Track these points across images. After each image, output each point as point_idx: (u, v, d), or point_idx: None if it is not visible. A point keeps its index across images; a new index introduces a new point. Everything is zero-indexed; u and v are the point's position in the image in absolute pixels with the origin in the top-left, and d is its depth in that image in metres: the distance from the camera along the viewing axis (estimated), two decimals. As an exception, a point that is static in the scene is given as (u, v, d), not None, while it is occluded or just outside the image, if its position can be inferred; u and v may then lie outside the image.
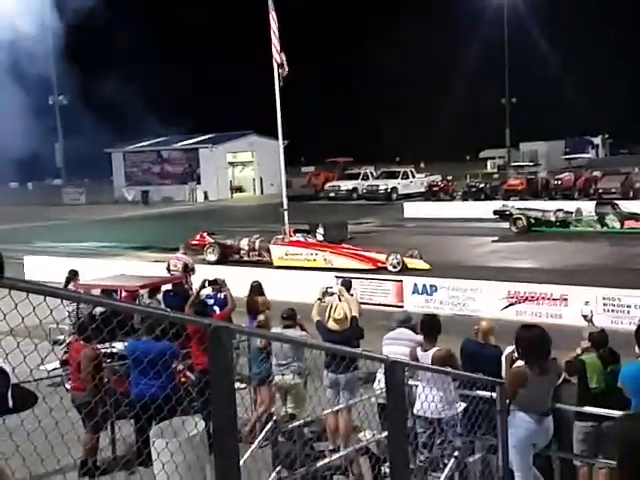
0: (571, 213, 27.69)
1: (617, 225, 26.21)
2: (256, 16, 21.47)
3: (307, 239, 23.17)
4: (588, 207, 28.14)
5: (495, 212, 29.86)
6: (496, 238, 26.78)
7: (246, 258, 22.96)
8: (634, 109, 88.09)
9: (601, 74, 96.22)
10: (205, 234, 24.24)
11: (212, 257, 23.11)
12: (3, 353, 2.60)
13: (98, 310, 10.19)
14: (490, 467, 5.96)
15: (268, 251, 22.66)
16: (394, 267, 20.27)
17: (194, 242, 23.78)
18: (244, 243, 23.41)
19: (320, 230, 24.42)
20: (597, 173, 38.75)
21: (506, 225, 28.41)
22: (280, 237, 23.01)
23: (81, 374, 8.37)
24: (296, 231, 23.47)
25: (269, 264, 21.73)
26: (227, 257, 23.05)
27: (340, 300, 9.48)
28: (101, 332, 8.18)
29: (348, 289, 10.77)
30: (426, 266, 20.11)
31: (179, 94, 78.66)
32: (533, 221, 27.93)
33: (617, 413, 5.76)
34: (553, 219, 27.67)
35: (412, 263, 20.34)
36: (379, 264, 20.60)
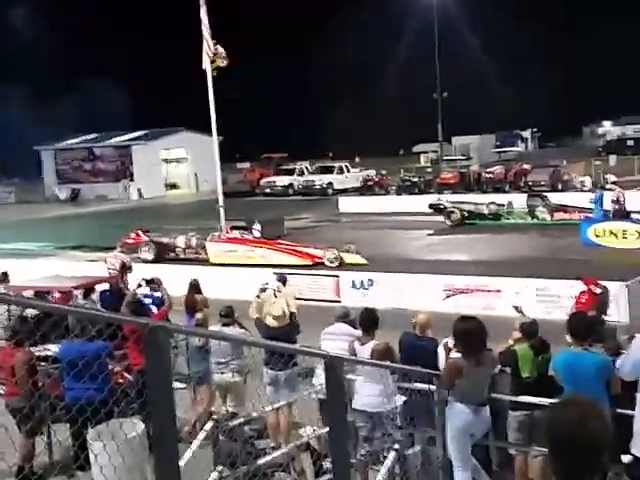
0: (503, 206, 28.18)
1: (547, 217, 26.74)
2: (190, 10, 21.21)
3: (244, 236, 23.01)
4: (519, 199, 28.65)
5: (430, 206, 30.09)
6: (431, 231, 27.03)
7: (182, 256, 22.65)
8: (562, 104, 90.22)
9: (531, 71, 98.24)
10: (140, 232, 23.77)
11: (148, 255, 22.71)
12: None
13: (30, 312, 9.97)
14: (430, 458, 6.04)
15: (204, 248, 22.43)
16: (331, 262, 20.23)
17: (129, 240, 23.31)
18: (180, 241, 23.11)
19: (257, 226, 24.39)
20: (527, 166, 39.56)
21: (441, 218, 28.72)
22: (216, 234, 22.81)
23: (15, 378, 8.19)
24: (233, 228, 23.32)
25: (206, 261, 21.49)
26: (163, 255, 22.71)
27: (276, 296, 9.49)
28: (34, 335, 8.03)
29: (283, 284, 10.78)
30: (363, 261, 20.12)
31: (111, 90, 77.17)
32: (467, 214, 28.31)
33: (549, 401, 5.91)
34: (486, 212, 28.10)
35: (349, 258, 20.32)
36: (316, 259, 20.52)
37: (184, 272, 15.07)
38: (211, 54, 20.60)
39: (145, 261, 21.71)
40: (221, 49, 20.57)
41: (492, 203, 28.59)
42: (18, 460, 7.86)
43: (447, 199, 30.80)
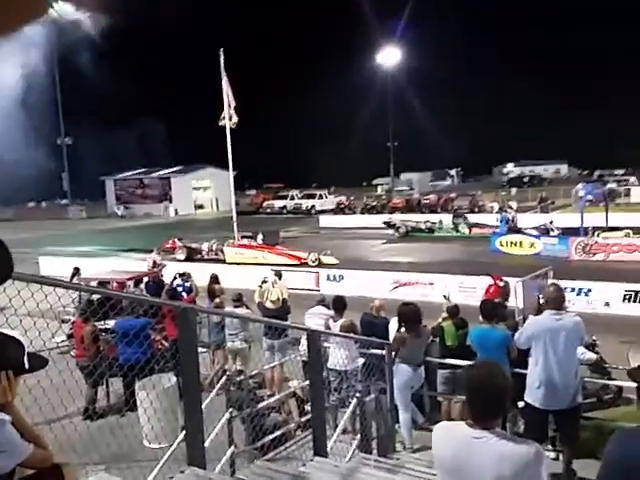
0: (435, 223, 28.22)
1: (467, 231, 26.79)
2: (213, 77, 21.15)
3: (251, 242, 22.88)
4: (447, 219, 28.68)
5: (384, 222, 30.10)
6: (385, 241, 26.97)
7: (206, 257, 22.48)
8: (478, 151, 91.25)
9: (456, 126, 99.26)
10: (176, 239, 23.70)
11: (181, 256, 22.59)
12: (22, 329, 2.50)
13: (95, 297, 9.87)
14: (381, 404, 6.03)
15: (222, 251, 22.28)
16: (312, 262, 20.12)
17: (167, 245, 23.14)
18: (205, 246, 23.00)
19: (260, 236, 24.34)
20: (453, 195, 39.69)
21: (391, 232, 28.75)
22: (231, 241, 22.67)
23: (83, 344, 8.12)
24: (243, 237, 23.13)
25: (223, 261, 21.29)
26: (192, 257, 22.53)
27: (273, 286, 9.46)
28: (97, 313, 7.97)
29: (280, 278, 10.75)
30: (336, 261, 20.05)
31: (158, 137, 76.80)
32: (410, 229, 28.36)
33: (466, 363, 5.93)
34: (423, 227, 28.18)
35: (325, 259, 20.24)
36: (302, 260, 20.37)
37: (207, 269, 14.92)
38: (229, 114, 20.62)
39: (179, 260, 21.49)
40: (233, 112, 20.59)
41: (427, 221, 28.67)
42: (85, 403, 7.79)
43: (396, 218, 30.85)
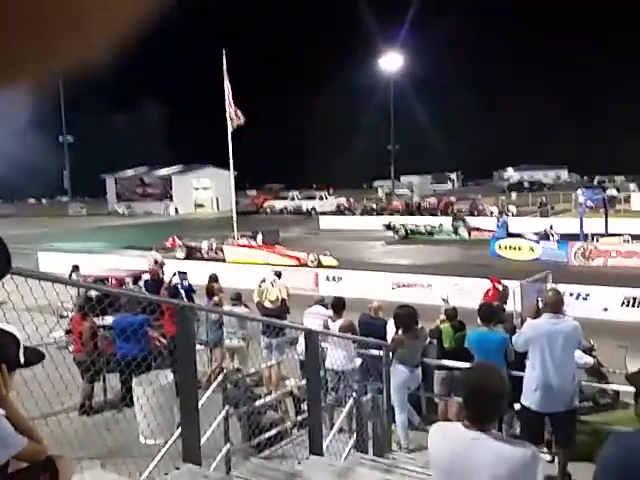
0: (435, 226, 28.16)
1: (466, 235, 26.76)
2: (216, 77, 21.19)
3: (250, 242, 22.61)
4: (446, 222, 28.64)
5: (384, 225, 30.06)
6: (385, 243, 26.97)
7: (206, 256, 22.27)
8: (479, 155, 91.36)
9: (458, 131, 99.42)
10: (175, 237, 23.51)
11: (181, 255, 22.41)
12: (20, 324, 2.49)
13: (93, 293, 9.85)
14: (378, 404, 6.02)
15: (222, 251, 22.12)
16: (312, 263, 19.99)
17: (167, 244, 23.02)
18: (204, 245, 22.80)
19: (259, 236, 24.17)
20: (453, 198, 39.69)
21: (391, 234, 28.73)
22: (231, 240, 22.49)
23: (81, 340, 8.11)
24: (242, 236, 22.95)
25: (223, 261, 21.12)
26: (192, 255, 22.36)
27: (273, 286, 9.44)
28: (94, 309, 7.97)
29: (279, 278, 10.73)
30: (335, 262, 19.96)
31: (158, 136, 76.88)
32: (410, 231, 28.31)
33: (463, 365, 5.92)
34: (423, 230, 28.12)
35: (325, 260, 20.14)
36: (302, 261, 20.25)
37: (206, 268, 14.89)
38: (232, 114, 20.56)
39: (178, 259, 21.32)
40: (239, 112, 20.53)
41: (428, 225, 28.59)
42: (81, 399, 7.77)
43: (396, 220, 30.76)
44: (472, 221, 29.19)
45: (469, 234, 26.63)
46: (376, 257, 22.73)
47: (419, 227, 28.42)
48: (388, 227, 29.43)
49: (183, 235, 24.84)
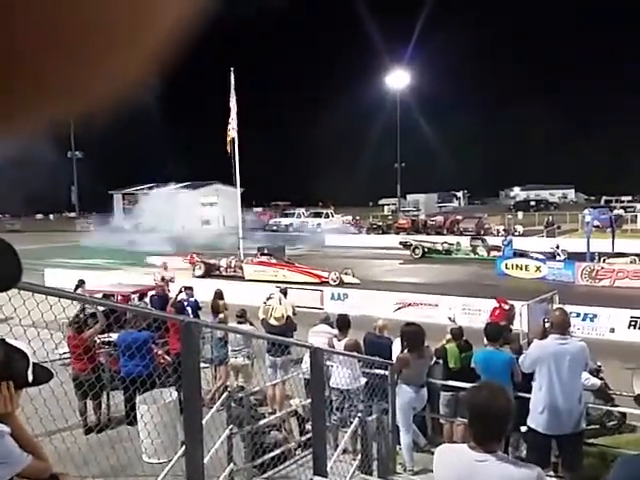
0: (453, 244, 27.54)
1: (485, 254, 25.91)
2: (223, 94, 21.46)
3: (270, 260, 21.87)
4: (465, 241, 27.96)
5: (400, 243, 29.21)
6: (401, 261, 26.44)
7: (224, 273, 21.83)
8: (485, 174, 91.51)
9: (465, 149, 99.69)
10: (194, 255, 22.87)
11: (199, 272, 21.91)
12: (27, 339, 2.50)
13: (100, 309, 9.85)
14: (383, 424, 5.97)
15: (241, 268, 21.62)
16: (334, 281, 19.44)
17: (185, 260, 22.51)
18: (223, 262, 22.32)
19: (265, 252, 23.68)
20: (459, 217, 39.58)
21: (404, 252, 28.06)
22: (250, 258, 21.94)
23: (74, 356, 7.95)
24: (262, 254, 22.38)
25: (242, 279, 20.59)
26: (210, 273, 21.85)
27: (280, 303, 9.44)
28: (86, 325, 7.95)
29: (285, 295, 10.73)
30: (357, 281, 19.43)
31: (165, 154, 77.37)
32: (426, 250, 27.61)
33: (469, 385, 5.87)
34: (440, 249, 27.47)
35: (347, 279, 19.62)
36: (323, 279, 19.71)
37: (223, 286, 14.66)
38: (233, 135, 20.87)
39: (197, 277, 20.73)
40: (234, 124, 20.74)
41: (445, 242, 27.94)
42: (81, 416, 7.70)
43: (413, 238, 30.04)
44: (491, 240, 28.48)
45: (488, 253, 25.78)
46: (388, 275, 22.19)
47: (436, 245, 27.76)
48: (405, 245, 28.62)
49: (201, 252, 24.12)
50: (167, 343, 8.97)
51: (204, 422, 3.78)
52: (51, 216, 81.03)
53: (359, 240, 36.12)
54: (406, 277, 21.80)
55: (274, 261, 21.89)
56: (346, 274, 19.99)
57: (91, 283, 13.92)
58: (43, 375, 2.21)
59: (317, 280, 19.67)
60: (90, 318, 8.84)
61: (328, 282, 19.41)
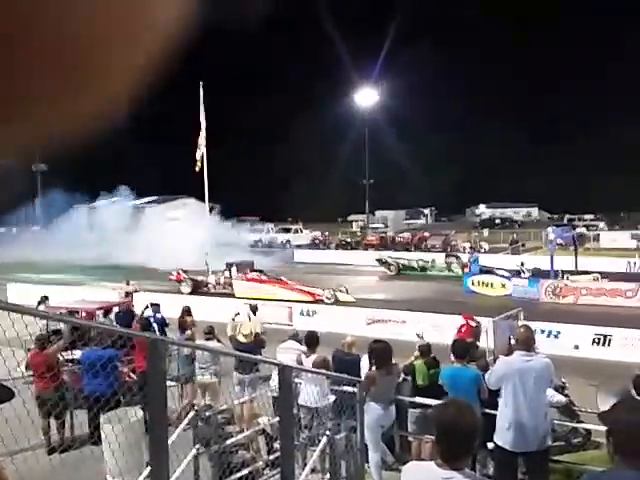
0: (428, 262, 27.57)
1: (459, 271, 25.77)
2: (192, 108, 21.51)
3: (261, 277, 21.18)
4: (439, 258, 28.03)
5: (376, 260, 28.95)
6: (377, 278, 26.35)
7: (213, 290, 21.13)
8: (452, 192, 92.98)
9: (432, 167, 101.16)
10: (181, 271, 22.11)
11: (186, 289, 21.26)
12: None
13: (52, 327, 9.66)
14: (352, 442, 5.96)
15: (231, 285, 20.95)
16: (328, 299, 18.79)
17: (172, 277, 21.93)
18: (212, 279, 21.65)
19: (234, 268, 22.14)
20: (426, 234, 39.91)
21: (379, 269, 28.00)
22: (241, 275, 21.17)
23: (37, 373, 7.79)
24: (252, 270, 21.67)
25: (232, 296, 19.76)
26: (198, 290, 21.18)
27: (250, 320, 9.38)
28: (49, 342, 7.80)
29: (254, 312, 10.67)
30: (352, 299, 18.94)
31: (134, 168, 76.47)
32: (402, 267, 27.61)
33: (437, 403, 5.91)
34: (415, 265, 27.51)
35: (342, 296, 19.10)
36: (317, 297, 19.11)
37: (213, 304, 14.36)
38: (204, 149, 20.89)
39: (184, 294, 20.06)
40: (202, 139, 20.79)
41: (420, 259, 27.96)
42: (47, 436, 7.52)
43: (388, 255, 29.93)
44: (465, 257, 28.39)
45: (463, 270, 25.38)
46: (357, 292, 21.04)
47: (412, 262, 27.71)
48: (380, 262, 28.47)
49: (187, 269, 22.94)
50: (133, 361, 8.81)
51: (170, 441, 3.71)
52: (14, 230, 79.07)
53: (329, 256, 36.17)
54: (378, 293, 21.78)
55: (264, 278, 21.13)
56: (340, 291, 19.37)
57: (55, 299, 13.63)
58: (4, 394, 2.15)
59: (310, 298, 19.00)
60: (53, 335, 8.65)
61: (322, 300, 18.81)
